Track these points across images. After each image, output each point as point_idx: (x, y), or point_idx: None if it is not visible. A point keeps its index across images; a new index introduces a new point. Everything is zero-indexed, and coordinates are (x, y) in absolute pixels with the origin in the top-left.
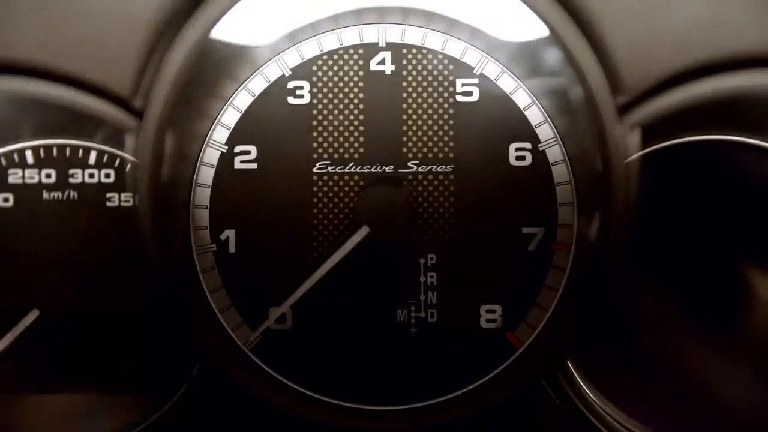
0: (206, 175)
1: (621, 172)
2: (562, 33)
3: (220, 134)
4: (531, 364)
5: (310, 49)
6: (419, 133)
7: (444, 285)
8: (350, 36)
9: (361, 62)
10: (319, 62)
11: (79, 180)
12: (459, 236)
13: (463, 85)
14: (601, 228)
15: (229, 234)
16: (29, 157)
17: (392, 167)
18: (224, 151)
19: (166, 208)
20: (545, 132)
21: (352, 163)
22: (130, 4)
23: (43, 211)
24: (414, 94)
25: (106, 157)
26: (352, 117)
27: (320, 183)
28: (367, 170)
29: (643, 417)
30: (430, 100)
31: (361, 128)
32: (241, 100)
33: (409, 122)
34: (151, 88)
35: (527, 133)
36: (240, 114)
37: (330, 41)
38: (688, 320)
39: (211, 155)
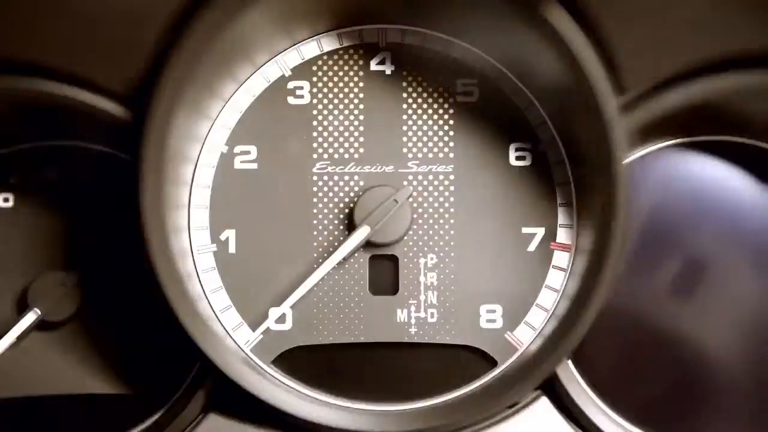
0: (206, 175)
1: (621, 172)
2: (563, 33)
3: (220, 134)
4: (531, 364)
5: (310, 50)
6: (419, 133)
7: (444, 285)
8: (350, 36)
9: (361, 62)
10: (319, 62)
11: (80, 180)
12: (459, 236)
13: (463, 85)
14: (601, 228)
15: (229, 234)
16: (29, 157)
17: (392, 167)
18: (224, 151)
19: (166, 208)
20: (545, 132)
21: (352, 163)
22: (133, 4)
23: (43, 211)
24: (414, 94)
25: (106, 157)
26: (352, 117)
27: (320, 183)
28: (367, 170)
29: (643, 417)
30: (430, 100)
31: (361, 128)
32: (241, 100)
33: (409, 122)
34: (152, 87)
35: (527, 133)
36: (240, 114)
37: (330, 41)
38: (688, 319)
39: (211, 155)
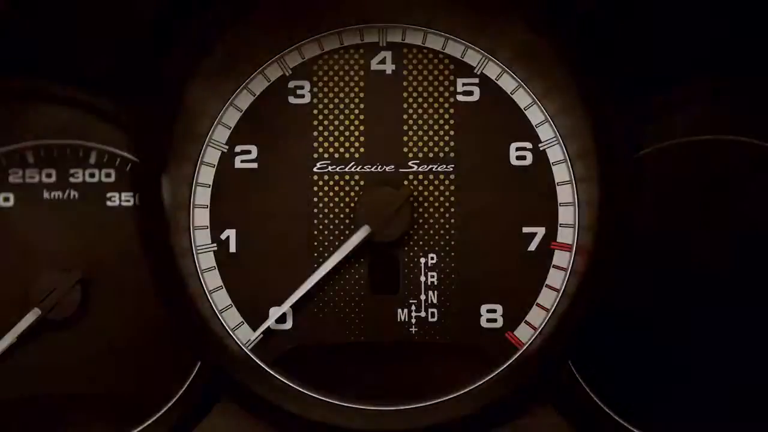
0: (207, 174)
1: (622, 172)
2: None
3: (220, 134)
4: (531, 364)
5: (310, 49)
6: (420, 133)
7: (444, 285)
8: (351, 36)
9: (361, 62)
10: (320, 62)
11: (80, 180)
12: (459, 236)
13: (464, 84)
14: (602, 228)
15: (230, 234)
16: (29, 157)
17: (393, 167)
18: (225, 150)
19: (166, 208)
20: (546, 131)
21: (352, 163)
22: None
23: (43, 211)
24: (414, 94)
25: (106, 156)
26: (352, 117)
27: (321, 183)
28: (368, 170)
29: (646, 419)
30: (430, 100)
31: (362, 128)
32: (242, 99)
33: (410, 122)
34: (153, 87)
35: (528, 132)
36: (241, 114)
37: (331, 41)
38: (689, 318)
39: (212, 155)
